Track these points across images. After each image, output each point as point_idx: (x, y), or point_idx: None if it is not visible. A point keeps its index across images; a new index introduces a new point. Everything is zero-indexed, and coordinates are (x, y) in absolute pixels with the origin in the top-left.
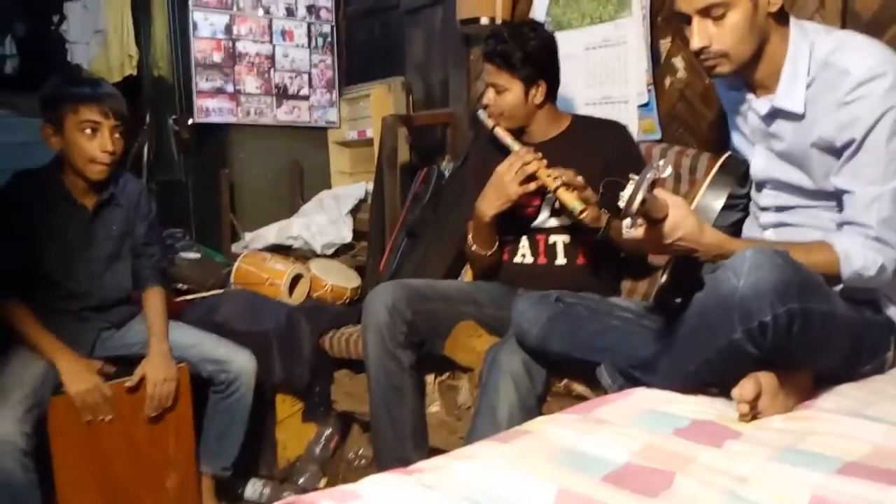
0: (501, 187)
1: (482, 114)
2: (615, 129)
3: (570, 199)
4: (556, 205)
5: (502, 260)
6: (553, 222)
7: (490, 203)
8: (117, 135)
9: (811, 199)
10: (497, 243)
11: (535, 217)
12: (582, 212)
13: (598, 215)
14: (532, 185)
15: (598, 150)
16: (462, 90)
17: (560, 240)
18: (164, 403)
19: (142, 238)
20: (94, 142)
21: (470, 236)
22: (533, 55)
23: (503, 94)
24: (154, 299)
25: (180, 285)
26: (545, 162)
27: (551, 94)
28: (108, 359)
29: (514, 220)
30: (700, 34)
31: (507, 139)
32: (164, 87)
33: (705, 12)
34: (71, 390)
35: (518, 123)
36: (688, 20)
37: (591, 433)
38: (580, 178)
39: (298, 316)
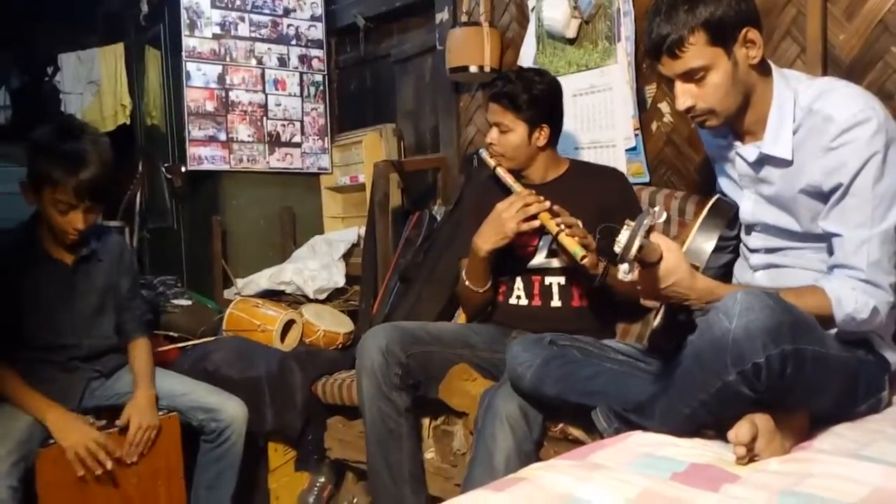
0: (500, 224)
1: (484, 153)
2: (613, 176)
3: (572, 245)
4: (554, 246)
5: (497, 301)
6: (549, 263)
7: (486, 239)
8: (91, 214)
9: (799, 242)
10: (490, 281)
11: (531, 258)
12: (583, 258)
13: (597, 262)
14: (529, 225)
15: (595, 195)
16: (452, 136)
17: (556, 281)
18: (140, 450)
19: (126, 293)
20: (66, 218)
21: (464, 272)
22: (538, 98)
23: (507, 135)
24: (139, 350)
25: (172, 333)
26: (548, 204)
27: (553, 139)
28: (98, 408)
29: (510, 260)
30: (683, 95)
31: (509, 179)
32: (157, 136)
33: (686, 76)
34: (64, 443)
35: (519, 164)
36: (672, 81)
37: (587, 479)
38: (580, 224)
39: (291, 362)
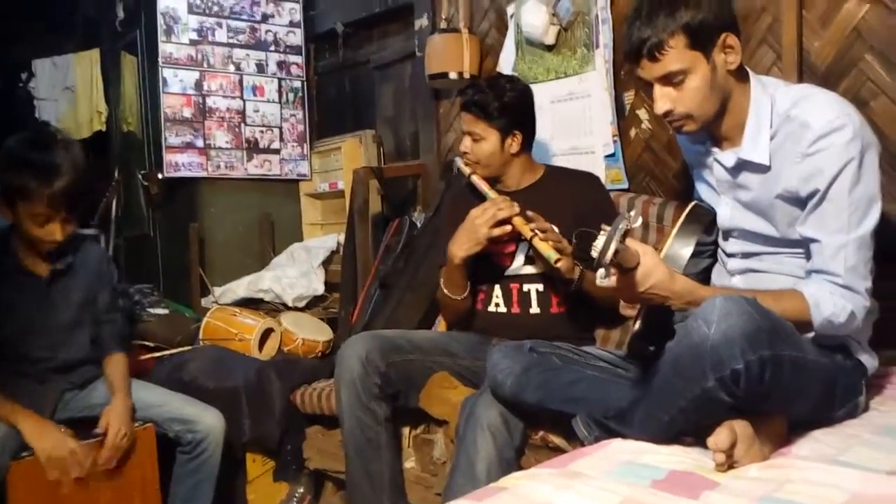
0: (472, 230)
1: (459, 161)
2: (588, 180)
3: (546, 248)
4: (530, 252)
5: (476, 309)
6: (527, 270)
7: (460, 245)
8: (69, 224)
9: (776, 247)
10: (468, 288)
11: (509, 265)
12: (557, 261)
13: (572, 266)
14: (502, 230)
15: (571, 200)
16: (432, 142)
17: (534, 288)
18: (117, 456)
19: (104, 306)
20: (45, 230)
21: (442, 281)
22: (510, 106)
23: (480, 143)
24: (116, 363)
25: (147, 342)
26: (518, 209)
27: (527, 145)
28: (72, 420)
29: (488, 268)
30: (662, 99)
31: (483, 187)
32: (134, 143)
33: (665, 80)
34: (36, 448)
35: (494, 172)
36: (650, 85)
37: (567, 488)
38: (555, 228)
39: (269, 371)
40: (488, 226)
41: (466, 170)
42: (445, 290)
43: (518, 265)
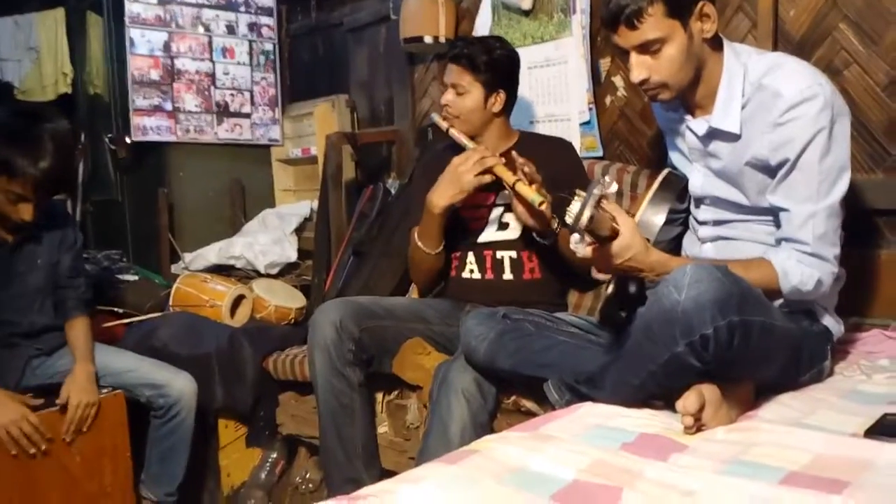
0: (456, 178)
1: (436, 117)
2: (562, 146)
3: (529, 192)
4: (504, 219)
5: (450, 275)
6: (500, 237)
7: (442, 194)
8: (41, 200)
9: (747, 214)
10: (442, 245)
11: (481, 231)
12: (541, 203)
13: (552, 216)
14: (487, 178)
15: (544, 165)
16: (407, 108)
17: (507, 255)
18: (81, 427)
19: (67, 270)
20: (14, 208)
21: (416, 234)
22: (498, 63)
23: (463, 97)
24: (78, 327)
25: (117, 309)
26: (502, 159)
27: (508, 107)
28: (40, 387)
29: (462, 234)
30: (638, 67)
31: (463, 139)
32: (100, 106)
33: (642, 48)
34: None
35: (472, 129)
36: (626, 53)
37: (538, 451)
38: (537, 174)
39: (241, 338)
40: (473, 172)
41: (444, 124)
42: (419, 243)
43: (491, 232)
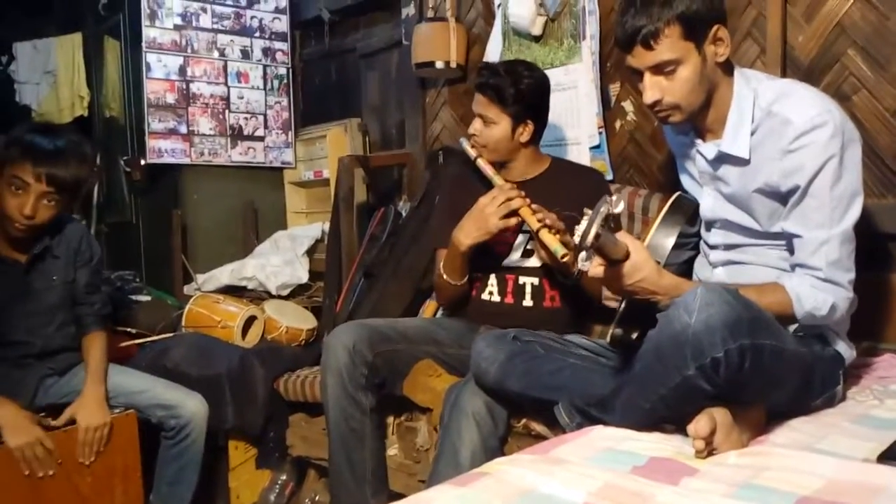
0: (482, 219)
1: (465, 143)
2: (593, 176)
3: (553, 242)
4: (529, 245)
5: (469, 295)
6: (524, 263)
7: (468, 233)
8: (47, 202)
9: (758, 239)
10: (467, 275)
11: (506, 255)
12: (564, 256)
13: (576, 260)
14: (513, 221)
15: (575, 195)
16: (418, 132)
17: (529, 281)
18: (94, 450)
19: (84, 286)
20: (18, 200)
21: (441, 265)
22: (525, 94)
23: (490, 127)
24: (94, 344)
25: (130, 329)
26: (528, 200)
27: (537, 135)
28: (52, 406)
29: (485, 257)
30: (652, 89)
31: (490, 172)
32: (116, 128)
33: (657, 69)
34: (10, 443)
35: (501, 158)
36: (640, 75)
37: (549, 474)
38: (561, 222)
39: (252, 359)
40: (499, 216)
41: (472, 152)
42: (445, 276)
43: (516, 257)
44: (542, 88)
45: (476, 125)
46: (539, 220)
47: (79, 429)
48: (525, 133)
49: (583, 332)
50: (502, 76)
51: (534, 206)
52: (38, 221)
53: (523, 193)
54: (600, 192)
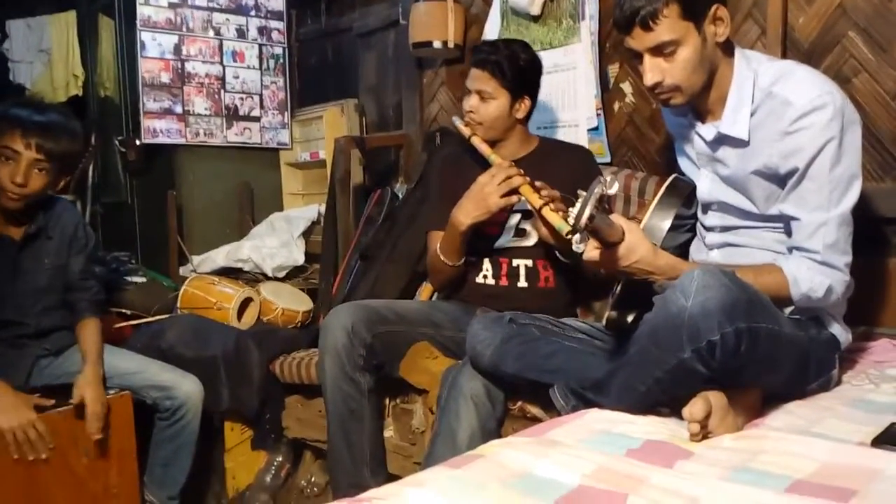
0: (482, 198)
1: (458, 122)
2: (581, 153)
3: (556, 220)
4: (522, 225)
5: (464, 277)
6: (518, 243)
7: (467, 213)
8: (38, 170)
9: (755, 221)
10: (464, 256)
11: (497, 238)
12: (569, 232)
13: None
14: (514, 199)
15: (564, 172)
16: (415, 113)
17: (523, 263)
18: (102, 425)
19: (78, 272)
20: (8, 169)
21: (438, 246)
22: (524, 70)
23: (488, 103)
24: (89, 329)
25: (125, 310)
26: (528, 178)
27: (529, 114)
28: (47, 387)
29: (478, 239)
30: (652, 70)
31: (486, 150)
32: (111, 108)
33: (657, 50)
34: (2, 425)
35: (495, 136)
36: (639, 57)
37: (544, 456)
38: (555, 191)
39: (248, 341)
40: (499, 194)
41: (466, 131)
42: (442, 257)
43: (507, 239)
44: (537, 66)
45: (472, 101)
46: (542, 198)
47: (87, 403)
48: (521, 109)
49: (583, 310)
50: (501, 51)
51: (537, 182)
52: (30, 190)
53: (522, 171)
54: (589, 167)
